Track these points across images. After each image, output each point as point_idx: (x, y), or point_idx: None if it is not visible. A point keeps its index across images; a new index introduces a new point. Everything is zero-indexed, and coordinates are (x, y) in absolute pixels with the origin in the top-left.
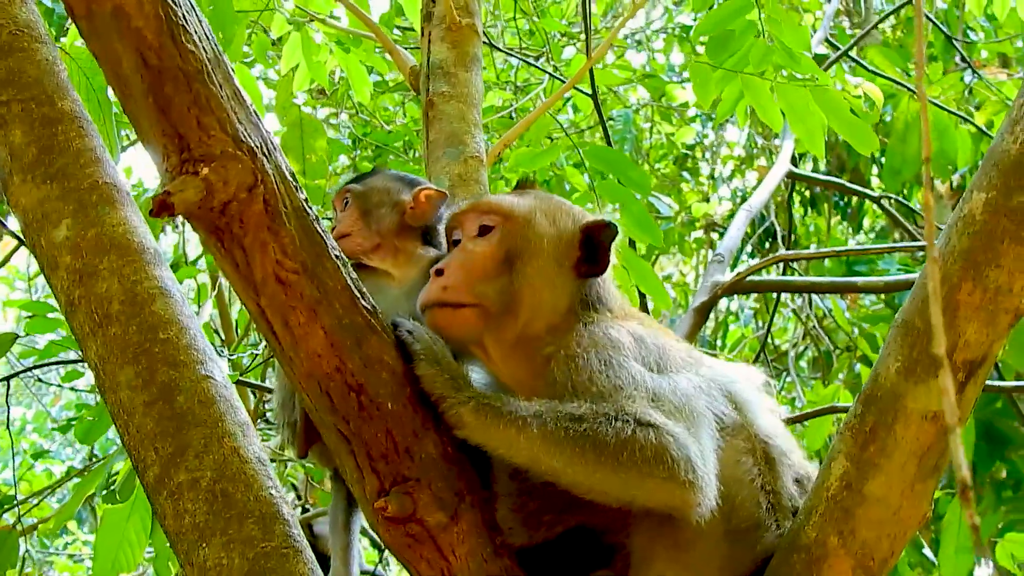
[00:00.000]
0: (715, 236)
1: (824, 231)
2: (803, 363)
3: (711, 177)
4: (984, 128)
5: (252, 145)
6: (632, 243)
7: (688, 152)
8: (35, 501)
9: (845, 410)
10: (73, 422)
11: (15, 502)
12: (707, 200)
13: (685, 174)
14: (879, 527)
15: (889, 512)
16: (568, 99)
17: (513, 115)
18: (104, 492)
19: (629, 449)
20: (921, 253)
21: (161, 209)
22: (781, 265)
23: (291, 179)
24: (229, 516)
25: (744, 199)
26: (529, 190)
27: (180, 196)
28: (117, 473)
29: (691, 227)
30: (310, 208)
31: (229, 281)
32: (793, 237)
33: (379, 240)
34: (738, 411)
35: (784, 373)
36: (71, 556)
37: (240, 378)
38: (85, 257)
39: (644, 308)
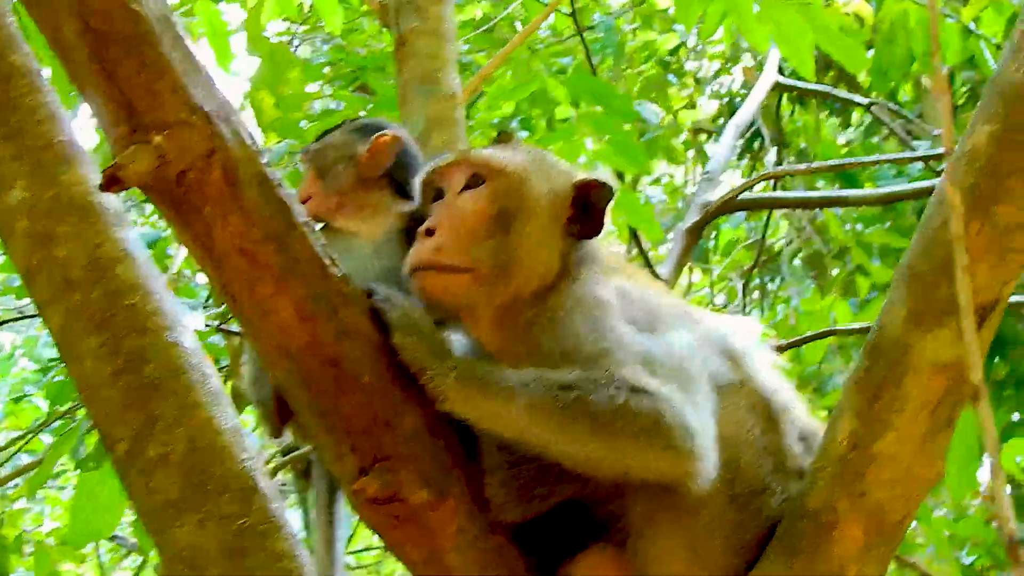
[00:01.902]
0: (702, 137)
1: (812, 128)
2: (796, 262)
3: (695, 79)
4: (972, 27)
5: (208, 109)
6: (620, 175)
7: (671, 57)
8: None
9: (843, 332)
10: (52, 362)
11: None
12: (693, 106)
13: (670, 77)
14: (891, 487)
15: (901, 471)
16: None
17: (492, 31)
18: (77, 459)
19: (623, 418)
20: (913, 165)
21: (111, 183)
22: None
23: (251, 143)
24: (204, 492)
25: (730, 100)
26: (515, 144)
27: (132, 167)
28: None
29: (677, 131)
30: (272, 173)
31: (190, 254)
32: (781, 137)
33: (340, 198)
34: (736, 367)
35: (778, 277)
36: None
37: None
38: (43, 220)
39: (636, 241)
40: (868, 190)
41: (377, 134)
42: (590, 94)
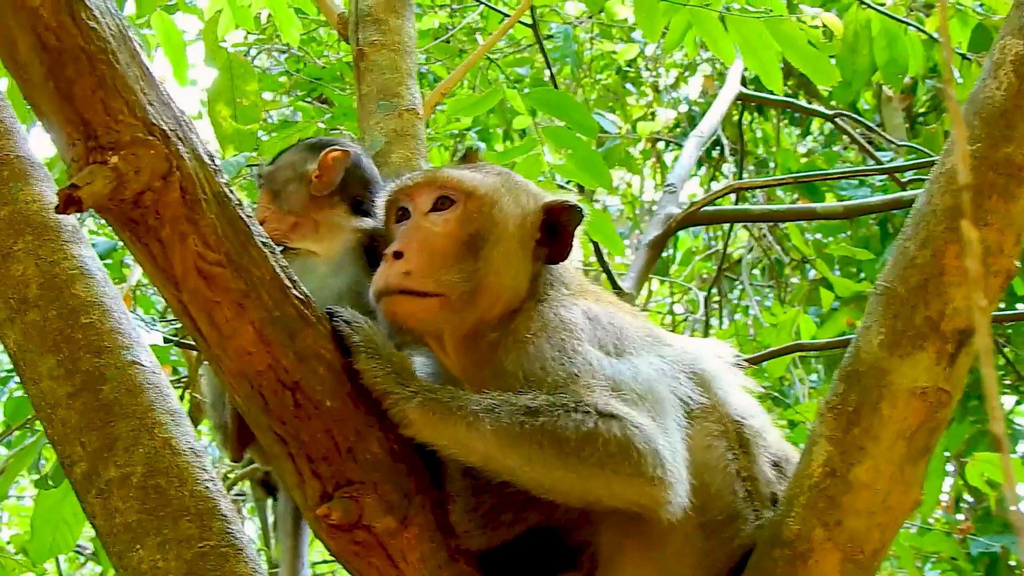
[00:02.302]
0: (660, 146)
1: (772, 137)
2: (756, 271)
3: (655, 88)
4: (935, 35)
5: (165, 128)
6: (580, 187)
7: (629, 68)
8: None
9: (810, 348)
10: (10, 373)
11: None
12: (653, 117)
13: (629, 86)
14: (868, 516)
15: (878, 499)
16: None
17: (449, 41)
18: (38, 475)
19: (591, 444)
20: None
21: (68, 204)
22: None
23: (210, 162)
24: (163, 514)
25: (689, 109)
26: (482, 163)
27: (88, 189)
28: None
29: (635, 140)
30: (232, 192)
31: (147, 276)
32: (741, 146)
33: (295, 219)
34: (706, 391)
35: (738, 287)
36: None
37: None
38: None
39: (598, 255)
40: (835, 203)
41: (327, 151)
42: (550, 107)
